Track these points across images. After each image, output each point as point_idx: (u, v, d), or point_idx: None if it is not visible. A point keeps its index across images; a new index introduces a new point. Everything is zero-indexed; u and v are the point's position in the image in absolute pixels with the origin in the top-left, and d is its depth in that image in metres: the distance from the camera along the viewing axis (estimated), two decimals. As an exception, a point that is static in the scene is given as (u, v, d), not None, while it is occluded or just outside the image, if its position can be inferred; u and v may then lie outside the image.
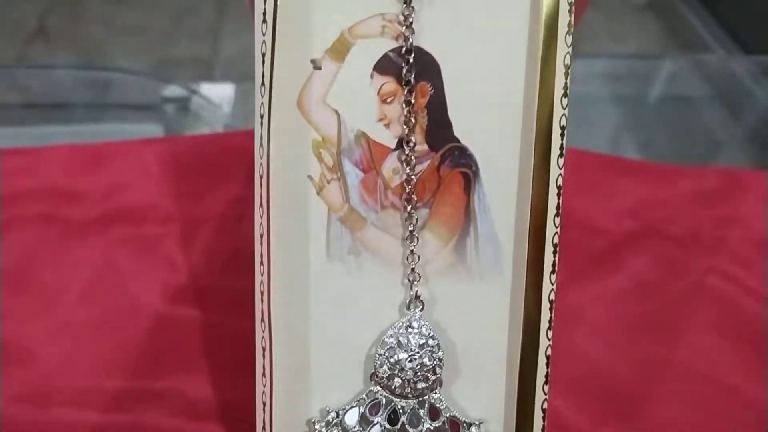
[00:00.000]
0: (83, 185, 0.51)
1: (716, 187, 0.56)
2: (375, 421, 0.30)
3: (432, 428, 0.30)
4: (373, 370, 0.30)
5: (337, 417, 0.30)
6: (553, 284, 0.29)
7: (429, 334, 0.30)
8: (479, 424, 0.31)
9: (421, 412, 0.30)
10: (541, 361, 0.30)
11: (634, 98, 0.75)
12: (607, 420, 0.40)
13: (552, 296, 0.30)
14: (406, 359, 0.29)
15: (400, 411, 0.30)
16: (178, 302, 0.44)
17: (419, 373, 0.30)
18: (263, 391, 0.30)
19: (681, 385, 0.43)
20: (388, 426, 0.30)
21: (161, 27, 1.05)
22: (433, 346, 0.30)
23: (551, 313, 0.30)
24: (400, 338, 0.30)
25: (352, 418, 0.30)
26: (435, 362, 0.30)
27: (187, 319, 0.43)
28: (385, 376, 0.30)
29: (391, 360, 0.29)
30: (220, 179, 0.52)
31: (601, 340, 0.45)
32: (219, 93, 0.60)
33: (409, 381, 0.30)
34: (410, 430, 0.30)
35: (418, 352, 0.29)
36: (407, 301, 0.30)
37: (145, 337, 0.42)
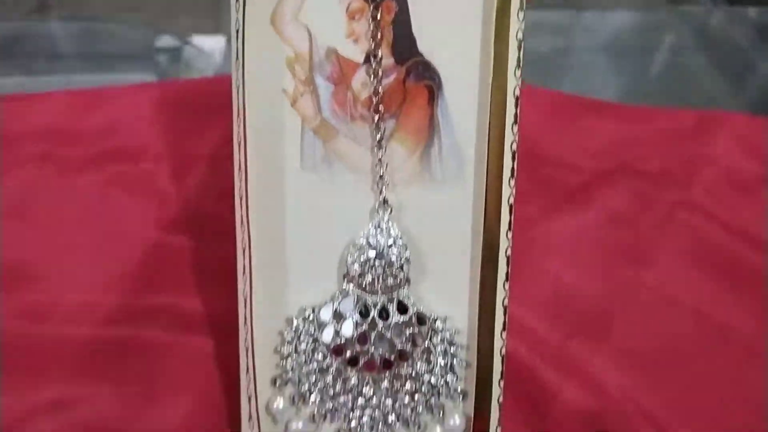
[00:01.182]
0: (79, 127, 0.54)
1: (690, 127, 0.58)
2: (347, 316, 0.32)
3: (400, 321, 0.32)
4: (346, 270, 0.32)
5: (313, 313, 0.33)
6: (511, 189, 0.32)
7: (396, 234, 0.32)
8: (444, 318, 0.33)
9: (390, 307, 0.32)
10: (502, 260, 0.32)
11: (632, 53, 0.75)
12: (576, 335, 0.43)
13: (511, 200, 0.32)
14: (375, 257, 0.32)
15: (371, 306, 0.32)
16: (171, 231, 0.46)
17: (388, 270, 0.32)
18: (244, 288, 0.32)
19: (649, 306, 0.45)
20: (359, 319, 0.32)
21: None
22: (400, 246, 0.32)
23: (511, 215, 0.32)
24: (370, 239, 0.32)
25: (326, 313, 0.33)
26: (402, 261, 0.32)
27: (179, 246, 0.45)
28: (356, 274, 0.32)
29: (362, 258, 0.32)
30: (211, 120, 0.54)
31: (573, 267, 0.47)
32: (211, 43, 0.62)
33: (378, 277, 0.32)
34: (380, 322, 0.32)
35: (386, 251, 0.32)
36: (376, 205, 0.32)
37: (139, 260, 0.45)
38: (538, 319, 0.43)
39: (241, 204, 0.32)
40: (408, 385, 0.33)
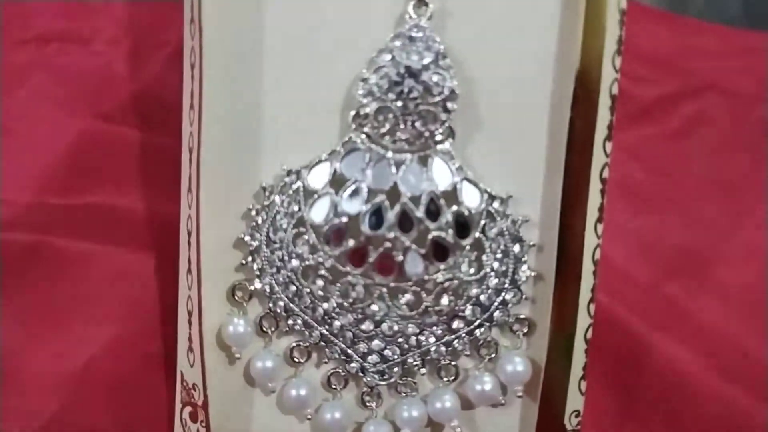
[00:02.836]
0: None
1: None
2: (353, 179, 0.20)
3: (436, 193, 0.20)
4: (356, 110, 0.21)
5: (298, 179, 0.21)
6: (626, -14, 0.20)
7: (438, 49, 0.20)
8: (506, 199, 0.21)
9: (422, 171, 0.20)
10: (603, 103, 0.20)
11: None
12: (671, 276, 0.31)
13: (623, 3, 0.20)
14: (400, 86, 0.20)
15: (392, 165, 0.20)
16: (117, 121, 0.35)
17: (421, 108, 0.20)
18: (191, 131, 0.20)
19: (750, 246, 0.34)
20: (371, 185, 0.20)
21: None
22: (443, 69, 0.20)
23: (621, 30, 0.20)
24: (396, 55, 0.20)
25: (319, 177, 0.20)
26: (445, 94, 0.20)
27: (123, 137, 0.33)
28: (370, 113, 0.20)
29: (381, 87, 0.20)
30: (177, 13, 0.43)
31: (659, 189, 0.35)
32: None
33: (406, 121, 0.20)
34: (403, 191, 0.20)
35: (420, 75, 0.20)
36: (408, 7, 0.21)
37: (67, 152, 0.33)
38: (628, 256, 0.31)
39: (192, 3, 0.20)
40: (443, 302, 0.21)
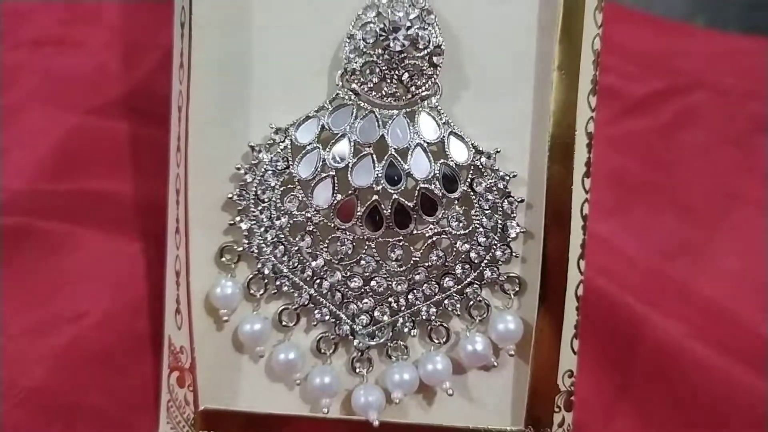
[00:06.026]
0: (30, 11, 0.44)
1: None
2: (341, 132, 0.20)
3: (424, 143, 0.20)
4: (343, 67, 0.21)
5: (285, 136, 0.21)
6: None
7: (423, 5, 0.20)
8: (494, 153, 0.21)
9: (408, 124, 0.20)
10: (586, 57, 0.20)
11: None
12: (667, 259, 0.31)
13: None
14: (386, 41, 0.20)
15: (379, 120, 0.21)
16: (109, 116, 0.35)
17: (407, 62, 0.20)
18: (179, 90, 0.21)
19: (741, 233, 0.34)
20: (358, 139, 0.20)
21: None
22: (429, 24, 0.20)
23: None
24: (382, 11, 0.20)
25: (307, 133, 0.21)
26: (430, 48, 0.20)
27: (114, 130, 0.34)
28: (357, 68, 0.20)
29: (367, 42, 0.20)
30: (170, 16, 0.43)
31: (651, 180, 0.36)
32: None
33: (392, 76, 0.20)
34: (391, 143, 0.20)
35: (406, 29, 0.20)
36: (393, -33, 0.21)
37: (67, 144, 0.33)
38: (616, 240, 0.31)
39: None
40: (432, 258, 0.21)
